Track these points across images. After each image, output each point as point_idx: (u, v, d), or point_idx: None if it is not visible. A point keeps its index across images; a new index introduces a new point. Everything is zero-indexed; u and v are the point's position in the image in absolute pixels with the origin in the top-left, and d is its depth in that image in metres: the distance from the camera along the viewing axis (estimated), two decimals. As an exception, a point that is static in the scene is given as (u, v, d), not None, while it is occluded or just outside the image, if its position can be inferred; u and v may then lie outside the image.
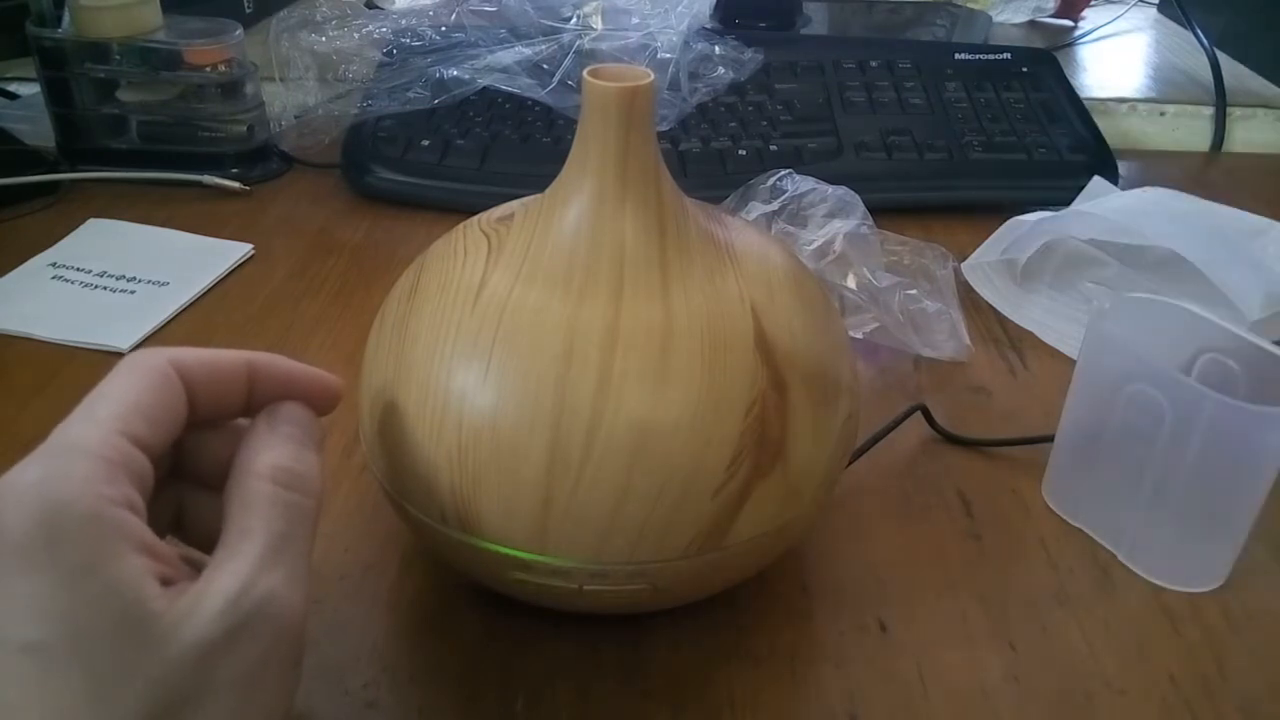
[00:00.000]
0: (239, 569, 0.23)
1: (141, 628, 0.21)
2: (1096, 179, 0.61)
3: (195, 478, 0.29)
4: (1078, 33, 0.99)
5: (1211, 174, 0.77)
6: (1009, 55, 0.76)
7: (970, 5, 1.01)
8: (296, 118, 0.69)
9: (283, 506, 0.25)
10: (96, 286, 0.55)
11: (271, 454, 0.26)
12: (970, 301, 0.55)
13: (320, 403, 0.29)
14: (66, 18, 0.64)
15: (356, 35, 0.70)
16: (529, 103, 0.67)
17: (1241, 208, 0.56)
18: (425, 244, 0.37)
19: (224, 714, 0.22)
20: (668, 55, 0.67)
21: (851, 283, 0.50)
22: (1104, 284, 0.55)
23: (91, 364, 0.49)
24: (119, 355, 0.49)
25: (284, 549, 0.25)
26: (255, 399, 0.28)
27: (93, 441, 0.23)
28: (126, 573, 0.22)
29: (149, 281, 0.55)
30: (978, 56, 0.75)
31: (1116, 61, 0.93)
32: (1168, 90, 0.84)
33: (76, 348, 0.50)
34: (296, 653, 0.25)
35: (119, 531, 0.22)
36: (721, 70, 0.70)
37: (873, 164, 0.66)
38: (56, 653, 0.21)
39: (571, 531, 0.29)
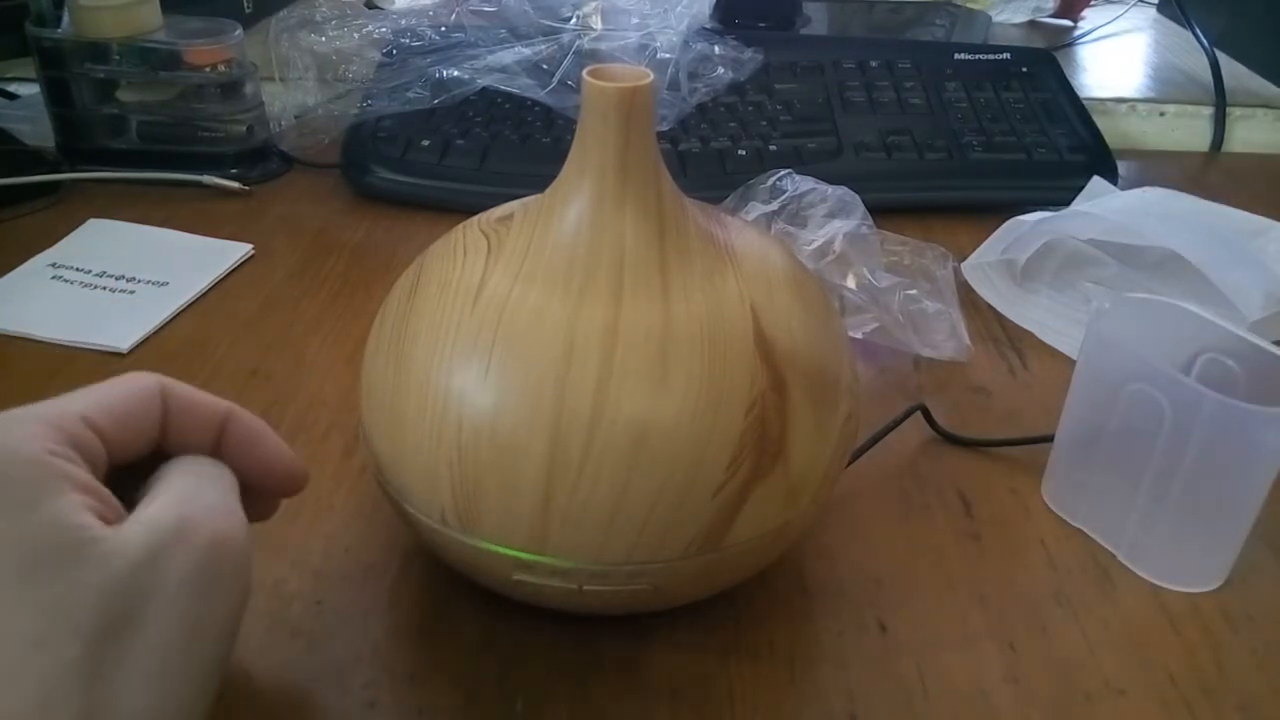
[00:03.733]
0: (162, 501, 0.26)
1: (84, 550, 0.24)
2: (1096, 179, 0.61)
3: None
4: (1077, 33, 0.99)
5: (1211, 174, 0.77)
6: (1009, 55, 0.76)
7: (970, 5, 1.01)
8: (296, 118, 0.69)
9: (194, 468, 0.28)
10: (96, 286, 0.55)
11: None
12: (970, 301, 0.55)
13: (283, 484, 0.31)
14: (66, 18, 0.64)
15: (356, 35, 0.70)
16: (529, 103, 0.67)
17: (1241, 208, 0.56)
18: (425, 244, 0.37)
19: (171, 619, 0.24)
20: (667, 55, 0.67)
21: (851, 283, 0.50)
22: (1104, 284, 0.55)
23: (91, 364, 0.49)
24: (119, 355, 0.49)
25: (201, 488, 0.28)
26: (223, 448, 0.30)
27: (51, 413, 0.26)
28: (66, 506, 0.24)
29: (149, 281, 0.55)
30: (977, 56, 0.75)
31: (1116, 61, 0.93)
32: (1167, 90, 0.84)
33: (76, 348, 0.50)
34: (235, 566, 0.27)
35: (60, 473, 0.25)
36: (721, 70, 0.70)
37: (873, 164, 0.66)
38: (9, 576, 0.23)
39: (571, 531, 0.29)
